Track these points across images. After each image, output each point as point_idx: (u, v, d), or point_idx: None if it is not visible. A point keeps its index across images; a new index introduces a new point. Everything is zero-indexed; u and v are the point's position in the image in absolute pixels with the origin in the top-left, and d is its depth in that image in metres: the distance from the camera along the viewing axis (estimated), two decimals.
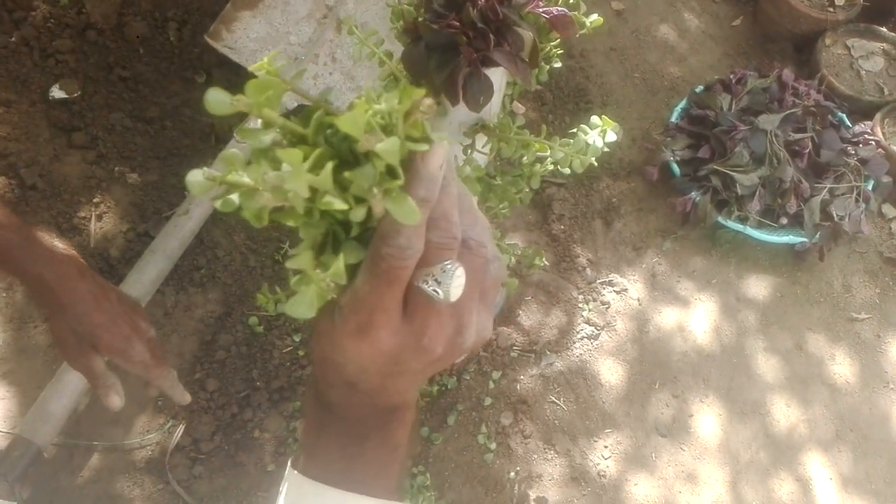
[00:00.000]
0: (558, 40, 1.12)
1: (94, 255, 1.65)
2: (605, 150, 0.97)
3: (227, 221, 1.76)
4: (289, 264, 0.41)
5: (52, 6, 1.91)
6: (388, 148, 0.40)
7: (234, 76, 1.94)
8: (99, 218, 1.72)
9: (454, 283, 0.46)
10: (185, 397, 1.28)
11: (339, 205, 0.40)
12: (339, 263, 0.41)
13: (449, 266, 0.46)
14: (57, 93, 1.81)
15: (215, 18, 1.93)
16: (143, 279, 1.57)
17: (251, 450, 1.53)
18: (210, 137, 1.87)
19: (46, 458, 1.42)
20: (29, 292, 1.59)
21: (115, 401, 1.18)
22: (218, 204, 0.40)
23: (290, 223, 0.42)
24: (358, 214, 0.42)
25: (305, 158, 0.39)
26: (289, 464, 0.54)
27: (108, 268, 1.65)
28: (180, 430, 1.53)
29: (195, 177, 0.40)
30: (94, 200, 1.73)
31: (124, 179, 1.77)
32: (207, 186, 0.40)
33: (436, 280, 0.46)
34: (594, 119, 0.97)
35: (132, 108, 1.88)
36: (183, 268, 1.68)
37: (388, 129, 0.41)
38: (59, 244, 1.14)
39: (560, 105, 2.14)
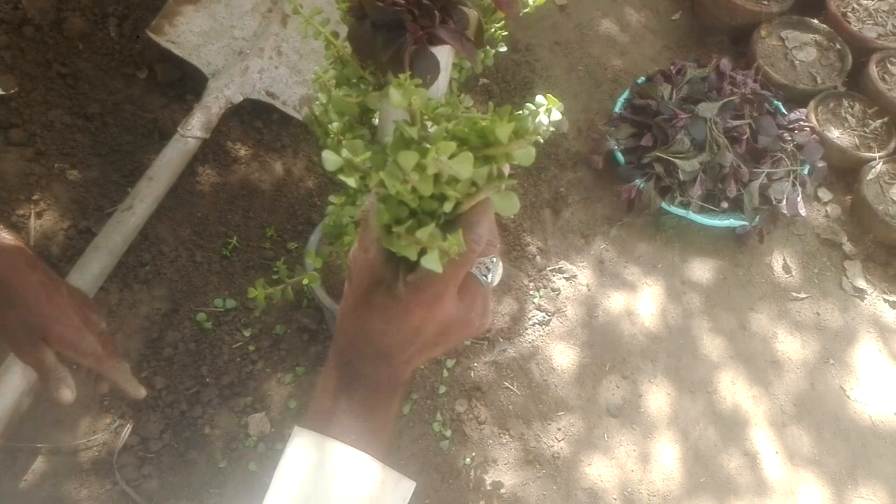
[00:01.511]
0: (502, 21, 1.14)
1: (34, 253, 1.60)
2: (551, 129, 0.98)
3: (172, 217, 1.73)
4: (418, 234, 0.49)
5: None
6: (526, 154, 0.49)
7: (177, 70, 1.91)
8: (39, 216, 1.67)
9: (498, 272, 0.59)
10: (140, 391, 1.25)
11: (452, 193, 0.49)
12: (459, 236, 0.49)
13: (495, 259, 0.59)
14: None
15: (157, 13, 1.90)
16: (86, 276, 1.53)
17: (202, 447, 1.50)
18: (153, 133, 1.84)
19: None
20: None
21: (66, 394, 1.14)
22: (350, 181, 0.49)
23: (402, 199, 0.50)
24: (448, 206, 0.51)
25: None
26: (295, 426, 0.60)
27: (49, 266, 1.60)
28: (128, 429, 1.49)
29: (330, 156, 0.48)
30: (34, 198, 1.68)
31: (64, 176, 1.73)
32: (338, 164, 0.48)
33: (486, 268, 0.59)
34: (539, 98, 0.99)
35: (72, 105, 1.83)
36: (127, 264, 1.65)
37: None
38: (7, 235, 1.11)
39: (507, 98, 2.16)
